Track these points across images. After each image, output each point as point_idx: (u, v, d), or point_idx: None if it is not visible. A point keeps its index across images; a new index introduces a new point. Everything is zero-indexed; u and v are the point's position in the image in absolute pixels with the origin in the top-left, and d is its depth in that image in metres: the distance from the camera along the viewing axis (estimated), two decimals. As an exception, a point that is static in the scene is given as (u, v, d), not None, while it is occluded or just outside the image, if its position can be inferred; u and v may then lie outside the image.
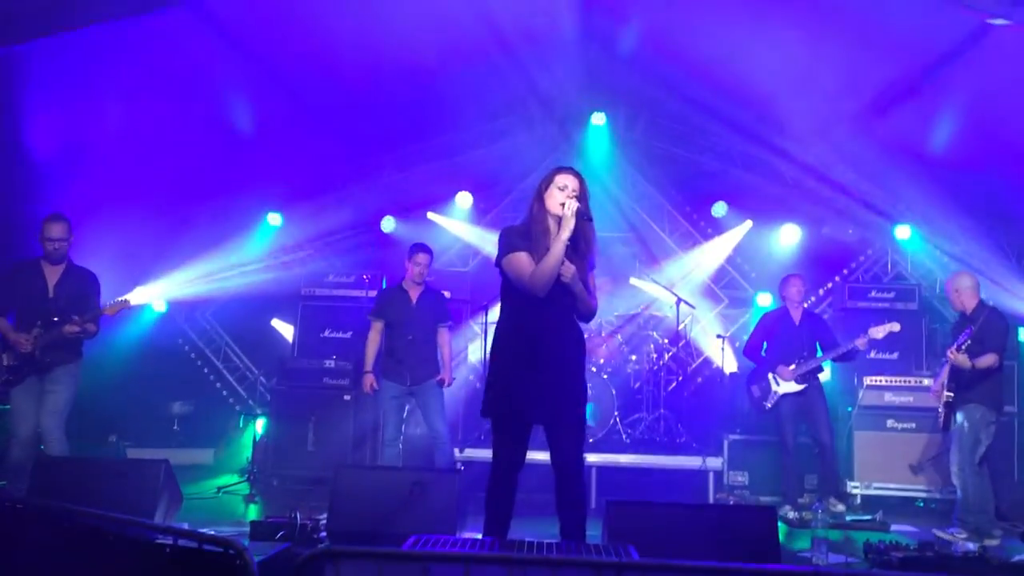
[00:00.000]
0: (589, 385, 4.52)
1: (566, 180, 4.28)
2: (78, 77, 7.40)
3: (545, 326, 4.22)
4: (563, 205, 4.20)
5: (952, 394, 6.45)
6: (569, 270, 4.18)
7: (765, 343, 7.73)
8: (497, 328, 4.42)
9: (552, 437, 4.29)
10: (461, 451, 7.79)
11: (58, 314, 5.99)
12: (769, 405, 7.54)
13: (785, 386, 7.46)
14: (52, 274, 6.12)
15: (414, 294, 7.15)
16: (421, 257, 7.15)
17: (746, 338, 8.10)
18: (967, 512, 6.39)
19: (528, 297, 4.20)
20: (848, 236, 10.01)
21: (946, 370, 6.51)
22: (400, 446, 7.14)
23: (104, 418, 9.27)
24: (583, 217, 4.20)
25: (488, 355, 4.49)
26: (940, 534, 6.36)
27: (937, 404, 6.68)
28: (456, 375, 8.83)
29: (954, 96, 7.46)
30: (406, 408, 7.20)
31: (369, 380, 7.09)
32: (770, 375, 7.55)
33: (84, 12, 6.43)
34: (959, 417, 6.46)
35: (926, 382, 8.20)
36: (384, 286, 9.06)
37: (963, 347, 6.32)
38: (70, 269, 6.19)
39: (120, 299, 6.26)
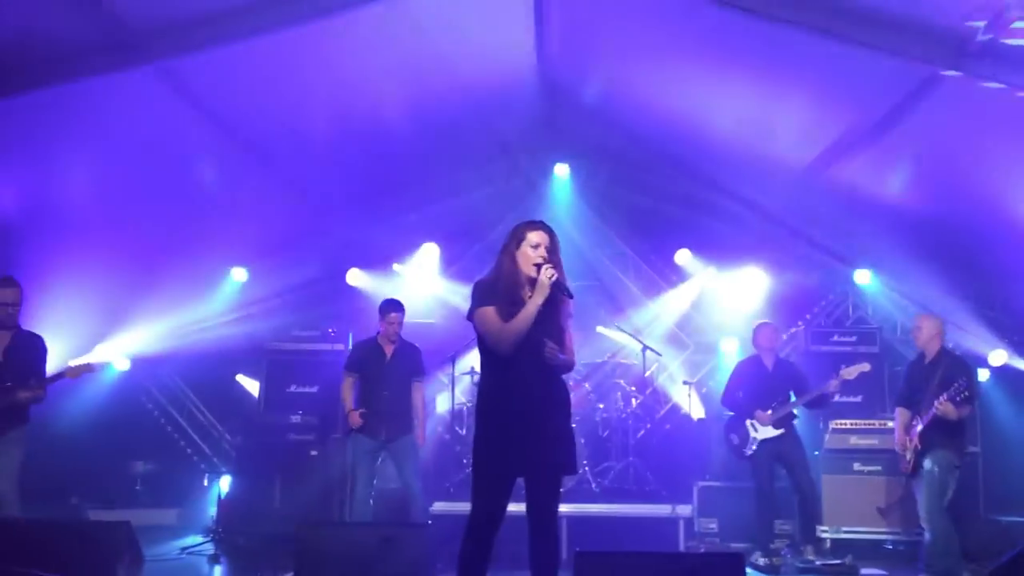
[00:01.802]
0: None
1: (538, 237, 4.27)
2: (39, 135, 7.37)
3: (529, 378, 4.20)
4: (538, 267, 4.19)
5: (918, 443, 6.53)
6: (552, 351, 4.17)
7: (741, 392, 7.79)
8: (481, 382, 4.43)
9: (533, 490, 4.26)
10: (430, 505, 7.71)
11: (9, 380, 5.89)
12: (749, 452, 7.57)
13: (763, 431, 7.51)
14: (1, 339, 6.03)
15: (389, 350, 7.15)
16: (394, 316, 7.16)
17: (713, 384, 8.16)
18: (935, 556, 6.43)
19: (501, 354, 4.20)
20: (809, 281, 10.15)
21: (925, 419, 6.54)
22: (371, 501, 7.06)
23: (65, 479, 9.08)
24: (561, 290, 4.21)
25: (475, 409, 4.46)
26: None
27: (901, 450, 6.74)
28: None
29: (910, 143, 7.62)
30: (378, 462, 7.14)
31: (355, 417, 6.97)
32: (748, 422, 7.59)
33: (53, 70, 6.43)
34: (928, 463, 6.51)
35: (890, 424, 8.25)
36: (351, 341, 9.04)
37: (956, 399, 6.38)
38: (19, 334, 6.11)
39: (83, 362, 6.19)
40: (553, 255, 4.25)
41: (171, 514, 9.28)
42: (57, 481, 8.84)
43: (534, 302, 4.15)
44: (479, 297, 4.27)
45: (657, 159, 9.60)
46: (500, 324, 4.16)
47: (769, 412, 7.47)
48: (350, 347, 8.99)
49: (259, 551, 7.53)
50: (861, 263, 9.71)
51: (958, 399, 6.38)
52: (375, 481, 7.19)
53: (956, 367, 6.67)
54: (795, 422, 7.58)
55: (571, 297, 4.28)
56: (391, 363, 7.12)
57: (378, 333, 7.23)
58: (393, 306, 7.23)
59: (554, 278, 4.16)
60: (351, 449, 7.08)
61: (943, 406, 6.38)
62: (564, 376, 4.43)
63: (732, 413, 7.83)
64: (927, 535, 6.50)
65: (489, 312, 4.20)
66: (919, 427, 6.62)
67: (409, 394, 7.14)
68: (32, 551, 4.92)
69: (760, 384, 7.65)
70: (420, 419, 7.19)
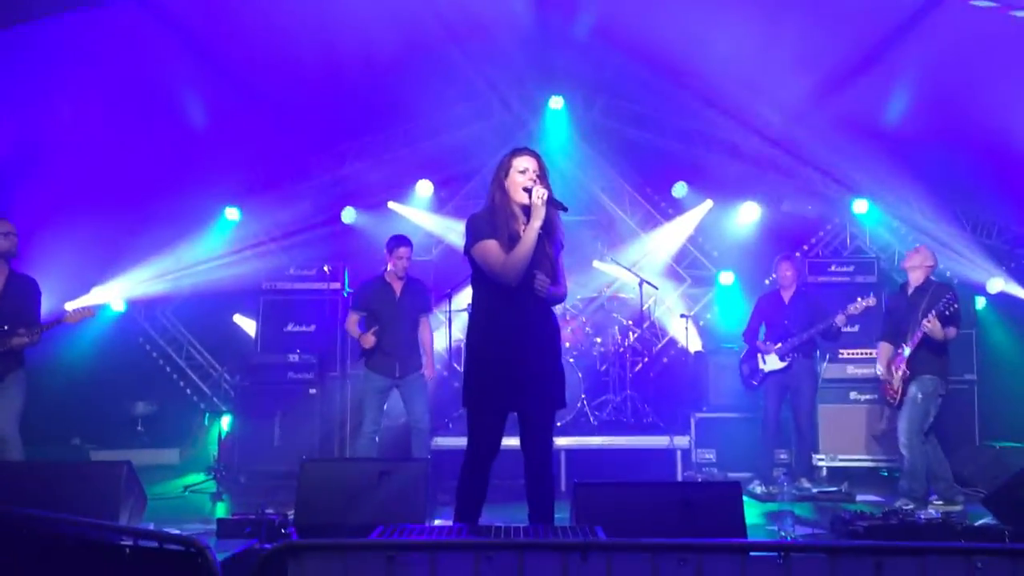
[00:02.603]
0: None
1: (525, 162, 4.21)
2: (26, 74, 7.27)
3: (521, 313, 4.18)
4: (529, 192, 4.14)
5: (906, 370, 6.54)
6: (543, 283, 4.15)
7: (763, 325, 7.86)
8: (471, 317, 4.38)
9: (526, 424, 4.28)
10: (430, 440, 7.76)
11: (5, 323, 5.87)
12: (756, 383, 7.74)
13: (770, 363, 7.63)
14: None
15: (397, 287, 7.09)
16: (403, 251, 7.08)
17: (710, 317, 8.19)
18: (913, 480, 6.50)
19: (500, 285, 4.17)
20: (807, 212, 10.09)
21: (912, 342, 6.55)
22: (377, 438, 7.10)
23: (67, 421, 9.16)
24: (554, 204, 4.18)
25: (465, 344, 4.45)
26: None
27: (890, 379, 6.74)
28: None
29: (908, 69, 7.54)
30: (387, 399, 7.14)
31: (369, 337, 6.88)
32: (758, 354, 7.72)
33: (31, 6, 6.29)
34: (912, 389, 6.54)
35: (887, 353, 8.32)
36: (347, 280, 9.02)
37: (945, 313, 6.39)
38: (12, 276, 6.05)
39: (82, 307, 6.15)
40: (542, 179, 4.20)
41: (172, 454, 9.38)
42: (58, 423, 8.92)
43: (532, 227, 4.10)
44: (476, 231, 4.21)
45: (653, 90, 9.46)
46: (502, 255, 4.11)
47: (779, 345, 7.56)
48: (346, 285, 9.01)
49: (261, 488, 7.61)
50: (859, 192, 9.65)
51: (947, 313, 6.39)
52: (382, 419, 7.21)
53: (941, 290, 6.67)
54: (812, 354, 7.65)
55: (565, 210, 4.22)
56: (401, 300, 7.07)
57: (385, 270, 7.17)
58: (401, 241, 7.16)
59: (545, 196, 4.12)
60: (362, 386, 7.07)
61: (931, 323, 6.38)
62: (560, 310, 4.41)
63: (747, 346, 7.95)
64: (906, 461, 6.54)
65: (490, 244, 4.14)
66: (905, 354, 6.62)
67: (417, 330, 7.14)
68: (35, 493, 4.97)
69: (775, 317, 7.76)
70: (429, 355, 7.20)
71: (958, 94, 7.60)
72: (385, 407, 7.17)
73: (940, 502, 6.46)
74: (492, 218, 4.22)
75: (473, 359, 4.30)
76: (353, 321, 7.10)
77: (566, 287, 4.43)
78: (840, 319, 7.28)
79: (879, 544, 2.88)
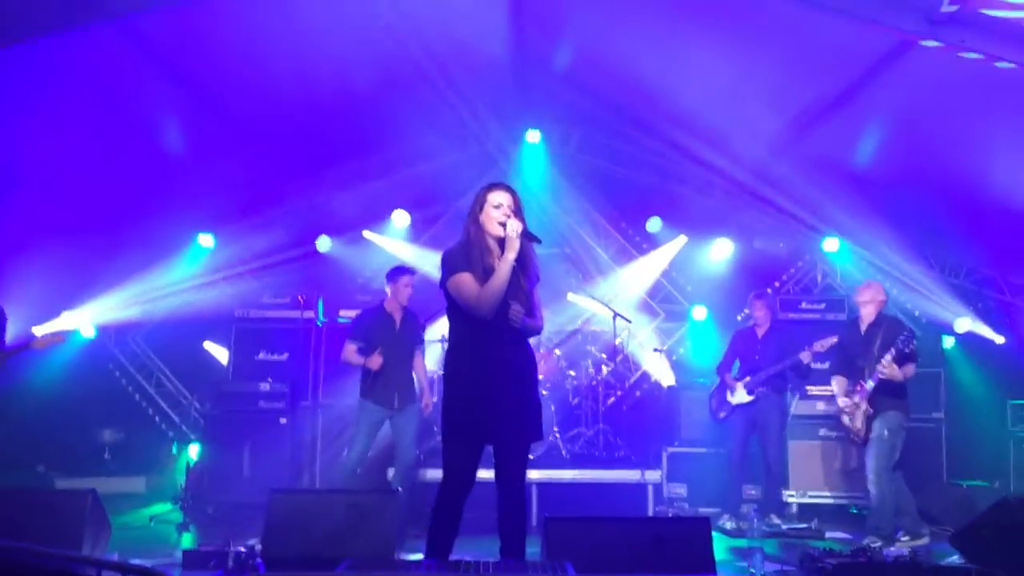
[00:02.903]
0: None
1: (499, 198, 4.28)
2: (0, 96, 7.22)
3: (496, 345, 4.21)
4: (504, 225, 4.20)
5: (871, 407, 6.57)
6: (517, 313, 4.18)
7: (737, 361, 7.94)
8: (449, 350, 4.40)
9: (501, 456, 4.29)
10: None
11: None
12: (722, 415, 7.83)
13: (737, 397, 7.70)
14: None
15: (398, 317, 7.04)
16: (406, 279, 7.03)
17: (683, 352, 8.26)
18: (882, 519, 6.51)
19: (476, 317, 4.19)
20: (779, 249, 10.21)
21: (870, 383, 6.58)
22: (359, 470, 7.03)
23: (32, 447, 9.03)
24: (528, 237, 4.21)
25: (442, 376, 4.47)
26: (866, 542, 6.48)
27: (851, 418, 6.72)
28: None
29: (878, 112, 7.65)
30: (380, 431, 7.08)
31: (377, 359, 6.77)
32: (726, 388, 7.81)
33: (6, 28, 6.26)
34: (878, 426, 6.56)
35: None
36: (321, 309, 9.00)
37: (904, 351, 6.42)
38: None
39: (50, 332, 6.09)
40: (517, 214, 4.26)
41: (139, 482, 9.24)
42: (24, 449, 8.80)
43: (506, 259, 4.15)
44: (451, 265, 4.25)
45: (628, 126, 9.58)
46: (476, 288, 4.16)
47: (747, 379, 7.64)
48: (320, 314, 8.99)
49: (228, 519, 7.52)
50: (829, 231, 9.77)
51: (906, 351, 6.42)
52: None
53: (895, 327, 6.70)
54: (782, 389, 7.70)
55: (539, 242, 4.28)
56: (400, 330, 7.02)
57: (383, 300, 7.13)
58: (404, 270, 7.14)
59: (520, 229, 4.17)
60: (358, 416, 6.96)
61: (888, 368, 6.41)
62: (535, 342, 4.44)
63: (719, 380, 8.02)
64: (874, 498, 6.55)
65: (465, 277, 4.18)
66: (865, 392, 6.61)
67: (412, 362, 7.10)
68: (-4, 520, 4.88)
69: (748, 352, 7.84)
70: (426, 387, 7.17)
71: (929, 136, 7.72)
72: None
73: (906, 537, 6.49)
74: (467, 252, 4.27)
75: (449, 391, 4.31)
76: (352, 350, 6.97)
77: (542, 319, 4.47)
78: (805, 355, 7.35)
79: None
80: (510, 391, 4.21)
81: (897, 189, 8.52)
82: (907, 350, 6.46)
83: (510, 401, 4.20)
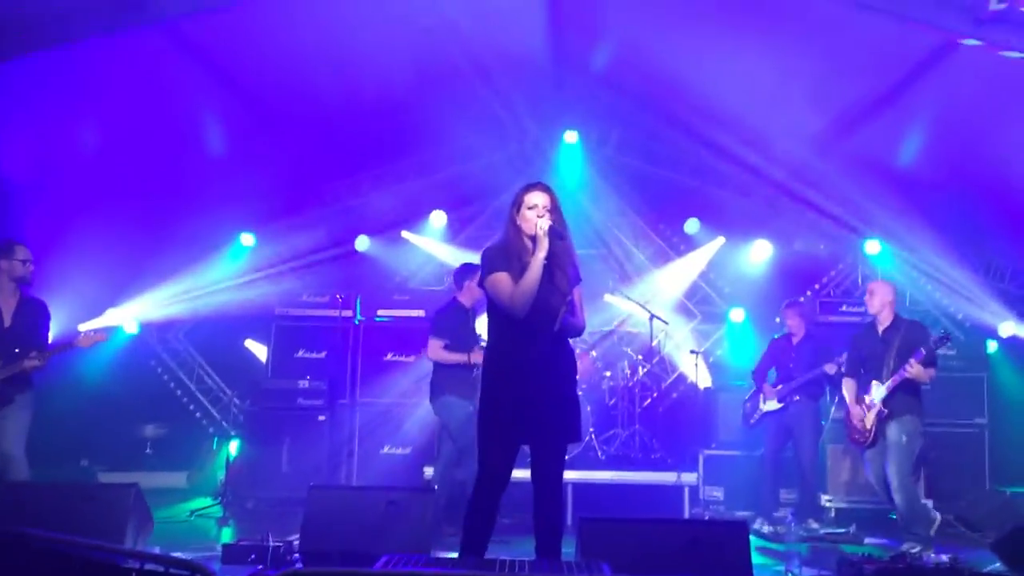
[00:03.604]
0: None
1: (535, 199, 4.30)
2: (47, 97, 7.36)
3: (534, 344, 4.22)
4: (537, 226, 4.23)
5: (886, 408, 6.44)
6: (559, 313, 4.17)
7: (773, 368, 7.92)
8: (487, 348, 4.43)
9: (537, 456, 4.29)
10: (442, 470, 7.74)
11: (16, 346, 5.92)
12: (752, 421, 7.87)
13: (768, 404, 7.71)
14: (7, 304, 6.03)
15: (470, 313, 7.10)
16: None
17: (720, 354, 8.26)
18: (915, 523, 6.38)
19: (513, 316, 4.22)
20: (819, 251, 10.10)
21: (888, 384, 6.40)
22: None
23: (76, 442, 9.19)
24: (556, 236, 4.23)
25: (481, 373, 4.51)
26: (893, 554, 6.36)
27: (859, 422, 6.58)
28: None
29: (922, 112, 7.57)
30: None
31: (479, 352, 6.66)
32: (760, 395, 7.83)
33: (54, 31, 6.40)
34: (895, 431, 6.38)
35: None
36: (359, 307, 9.07)
37: (936, 350, 6.32)
38: (24, 300, 6.11)
39: (93, 331, 6.20)
40: (553, 213, 4.27)
41: (180, 477, 9.37)
42: (68, 444, 8.95)
43: (537, 258, 4.17)
44: (489, 263, 4.31)
45: (667, 127, 9.53)
46: (511, 286, 4.20)
47: (779, 387, 7.65)
48: (358, 313, 9.07)
49: (267, 514, 7.61)
50: (871, 233, 9.66)
51: (937, 353, 6.33)
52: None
53: (917, 330, 6.59)
54: (817, 396, 7.65)
55: (561, 238, 4.24)
56: (475, 326, 7.09)
57: (455, 297, 7.12)
58: (475, 267, 7.20)
59: (547, 227, 4.18)
60: (443, 414, 6.96)
61: (914, 368, 6.25)
62: (575, 343, 4.44)
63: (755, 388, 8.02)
64: (901, 504, 6.35)
65: (501, 276, 4.24)
66: (875, 395, 6.47)
67: None
68: (42, 514, 4.99)
69: (783, 359, 7.82)
70: None
71: (973, 136, 7.63)
72: None
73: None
74: (505, 250, 4.32)
75: (487, 389, 4.34)
76: (439, 346, 6.94)
77: (583, 319, 4.45)
78: (830, 368, 7.31)
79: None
80: (547, 390, 4.22)
81: (941, 191, 8.41)
82: (939, 351, 6.36)
83: (547, 400, 4.21)
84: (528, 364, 4.21)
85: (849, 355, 6.97)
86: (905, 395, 6.43)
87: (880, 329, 6.71)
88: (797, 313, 7.85)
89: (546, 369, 4.24)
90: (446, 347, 6.93)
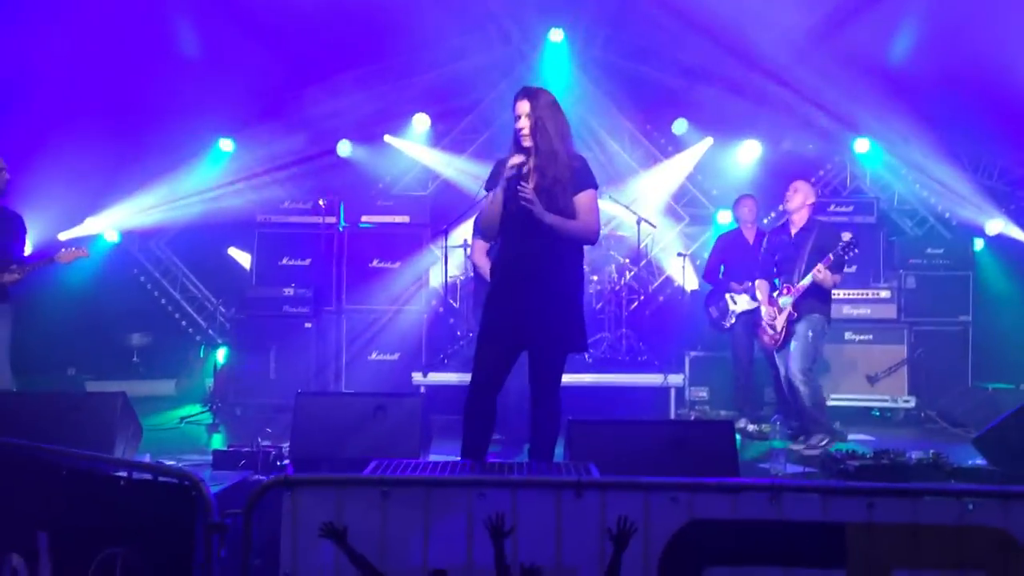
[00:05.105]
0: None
1: (517, 108, 4.27)
2: (15, 4, 7.12)
3: (525, 253, 4.23)
4: (518, 143, 4.24)
5: (795, 311, 6.53)
6: (528, 201, 4.10)
7: (722, 265, 7.80)
8: (494, 254, 4.58)
9: (532, 363, 4.33)
10: (424, 375, 7.78)
11: None
12: (727, 324, 7.72)
13: (741, 303, 7.60)
14: None
15: None
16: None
17: (706, 255, 8.20)
18: (821, 413, 6.62)
19: (509, 225, 4.23)
20: (808, 151, 9.98)
21: (799, 285, 6.49)
22: None
23: (62, 351, 9.18)
24: (514, 191, 4.10)
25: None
26: (803, 449, 6.49)
27: (770, 322, 6.68)
28: (418, 299, 8.83)
29: (913, 5, 7.41)
30: None
31: None
32: (727, 295, 7.69)
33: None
34: (802, 328, 6.54)
35: (883, 294, 8.34)
36: (343, 213, 8.97)
37: (841, 261, 6.41)
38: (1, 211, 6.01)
39: (75, 248, 6.13)
40: (536, 114, 4.20)
41: (169, 385, 9.37)
42: (54, 354, 8.94)
43: (495, 194, 4.24)
44: (487, 183, 4.49)
45: (655, 24, 9.27)
46: (484, 209, 4.37)
47: (749, 284, 7.42)
48: (342, 219, 8.98)
49: (256, 420, 7.65)
50: (860, 132, 9.54)
51: (845, 259, 6.42)
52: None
53: (830, 234, 6.66)
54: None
55: (522, 198, 4.09)
56: None
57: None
58: None
59: (509, 175, 4.13)
60: None
61: (822, 274, 6.35)
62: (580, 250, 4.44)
63: (711, 287, 7.97)
64: (807, 397, 6.55)
65: (484, 201, 4.45)
66: (788, 296, 6.56)
67: None
68: (29, 424, 4.98)
69: (740, 257, 7.72)
70: None
71: (963, 32, 7.48)
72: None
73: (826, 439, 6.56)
74: (500, 165, 4.36)
75: (488, 295, 4.40)
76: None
77: (591, 224, 4.38)
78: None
79: (870, 486, 2.89)
80: (537, 299, 4.20)
81: (930, 87, 8.29)
82: (846, 257, 6.43)
83: (542, 308, 4.20)
84: (517, 271, 4.24)
85: (763, 256, 6.99)
86: (813, 298, 6.54)
87: (793, 231, 6.75)
88: (754, 202, 7.84)
89: (537, 278, 4.21)
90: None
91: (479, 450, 4.24)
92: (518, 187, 4.08)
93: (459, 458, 4.23)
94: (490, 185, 4.39)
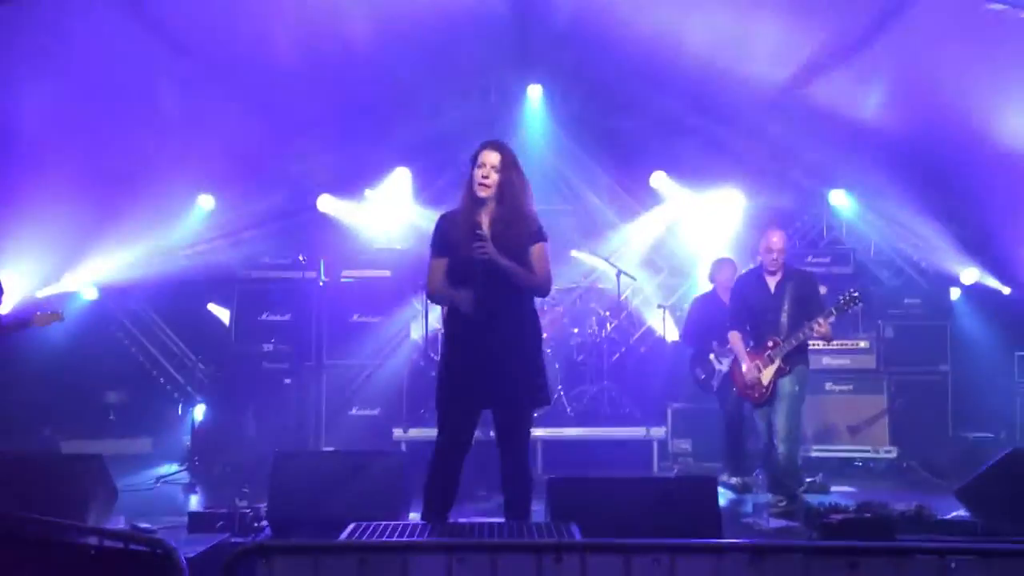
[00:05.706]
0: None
1: (484, 157, 4.26)
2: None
3: (483, 308, 4.17)
4: (483, 186, 4.20)
5: (783, 366, 6.26)
6: (484, 250, 4.10)
7: (700, 327, 7.82)
8: (443, 312, 4.46)
9: (497, 420, 4.30)
10: (405, 431, 7.72)
11: None
12: (716, 384, 7.54)
13: (726, 363, 7.47)
14: None
15: None
16: None
17: (687, 307, 8.23)
18: (790, 476, 6.28)
19: (462, 280, 4.18)
20: (784, 203, 10.08)
21: (790, 341, 6.19)
22: None
23: (38, 410, 9.02)
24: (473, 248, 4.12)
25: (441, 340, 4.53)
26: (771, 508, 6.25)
27: (754, 380, 6.35)
28: (399, 353, 8.79)
29: (886, 61, 7.54)
30: None
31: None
32: (711, 356, 7.62)
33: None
34: (789, 384, 6.25)
35: (862, 344, 8.36)
36: (323, 269, 8.95)
37: (847, 310, 6.26)
38: None
39: (50, 312, 6.11)
40: (505, 171, 4.21)
41: (146, 443, 9.23)
42: (29, 412, 8.79)
43: (458, 297, 4.20)
44: (433, 242, 4.38)
45: (632, 80, 9.41)
46: (436, 282, 4.32)
47: (728, 347, 7.40)
48: (321, 274, 8.96)
49: (235, 479, 7.54)
50: (836, 184, 9.66)
51: (847, 312, 6.29)
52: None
53: (807, 282, 6.44)
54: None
55: (478, 245, 4.11)
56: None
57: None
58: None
59: (478, 235, 4.12)
60: None
61: (823, 327, 6.08)
62: (540, 302, 4.42)
63: (692, 349, 7.91)
64: (783, 453, 6.22)
65: (433, 265, 4.34)
66: (777, 350, 6.22)
67: None
68: (1, 486, 4.88)
69: (721, 320, 7.54)
70: None
71: (936, 86, 7.62)
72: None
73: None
74: (451, 225, 4.31)
75: (443, 354, 4.37)
76: None
77: (544, 276, 4.35)
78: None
79: (852, 545, 2.86)
80: (502, 354, 4.18)
81: (903, 139, 8.42)
82: (849, 311, 6.29)
83: (503, 364, 4.18)
84: (477, 329, 4.18)
85: (734, 305, 6.72)
86: (802, 347, 6.33)
87: (773, 283, 6.44)
88: (733, 268, 7.76)
89: (498, 334, 4.19)
90: None
91: (442, 512, 4.23)
92: (476, 245, 4.09)
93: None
94: (436, 244, 4.33)
